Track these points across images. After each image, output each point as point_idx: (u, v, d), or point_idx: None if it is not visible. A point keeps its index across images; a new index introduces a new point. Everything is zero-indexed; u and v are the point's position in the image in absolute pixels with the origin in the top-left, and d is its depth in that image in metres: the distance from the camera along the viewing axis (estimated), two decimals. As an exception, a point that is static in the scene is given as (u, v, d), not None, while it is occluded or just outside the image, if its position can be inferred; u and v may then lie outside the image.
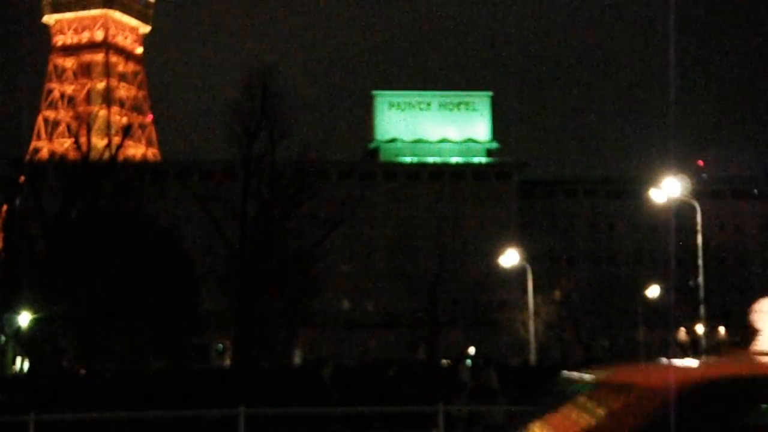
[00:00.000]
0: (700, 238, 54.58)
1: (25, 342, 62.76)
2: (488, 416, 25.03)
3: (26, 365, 66.54)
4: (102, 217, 60.98)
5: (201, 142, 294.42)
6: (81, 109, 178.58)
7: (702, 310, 57.08)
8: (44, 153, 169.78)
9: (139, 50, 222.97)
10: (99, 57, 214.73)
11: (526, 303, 78.80)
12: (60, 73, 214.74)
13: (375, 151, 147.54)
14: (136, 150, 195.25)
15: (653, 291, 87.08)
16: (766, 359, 7.27)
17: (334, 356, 66.63)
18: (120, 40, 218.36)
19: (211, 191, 69.42)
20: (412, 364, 61.66)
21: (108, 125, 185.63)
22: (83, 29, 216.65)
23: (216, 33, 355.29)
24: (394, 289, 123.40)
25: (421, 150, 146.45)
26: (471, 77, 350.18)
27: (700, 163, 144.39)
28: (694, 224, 55.17)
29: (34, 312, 59.16)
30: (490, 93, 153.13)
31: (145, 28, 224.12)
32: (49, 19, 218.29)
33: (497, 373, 27.51)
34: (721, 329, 74.59)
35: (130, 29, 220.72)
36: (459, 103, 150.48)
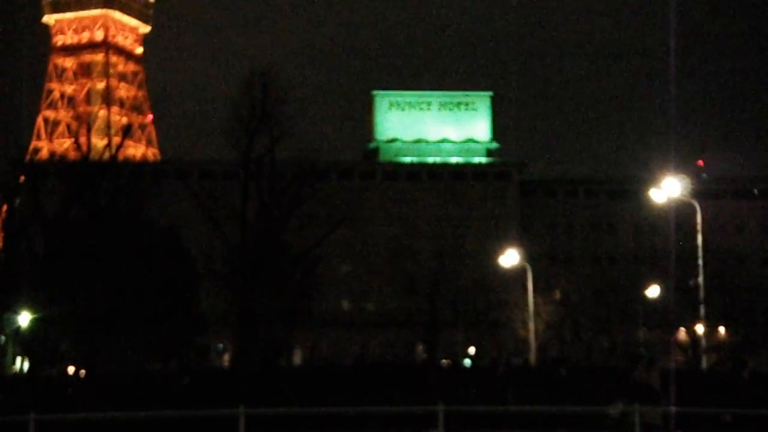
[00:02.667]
0: (700, 238, 54.55)
1: (25, 342, 62.74)
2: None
3: (26, 365, 66.52)
4: (102, 217, 60.96)
5: (201, 142, 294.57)
6: (81, 109, 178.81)
7: (702, 310, 57.04)
8: (44, 153, 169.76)
9: (139, 50, 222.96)
10: (99, 57, 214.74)
11: (526, 303, 78.77)
12: (60, 73, 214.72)
13: (375, 151, 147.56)
14: (136, 150, 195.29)
15: (653, 291, 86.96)
16: None
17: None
18: (120, 40, 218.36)
19: (211, 191, 69.32)
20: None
21: (108, 125, 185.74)
22: (83, 29, 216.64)
23: (216, 33, 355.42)
24: (394, 289, 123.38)
25: (421, 150, 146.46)
26: (471, 77, 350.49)
27: (700, 163, 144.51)
28: (694, 224, 55.15)
29: (34, 312, 59.12)
30: (490, 93, 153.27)
31: (145, 28, 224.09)
32: (49, 19, 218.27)
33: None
34: (721, 329, 74.51)
35: (130, 29, 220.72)
36: (459, 103, 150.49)
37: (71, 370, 63.25)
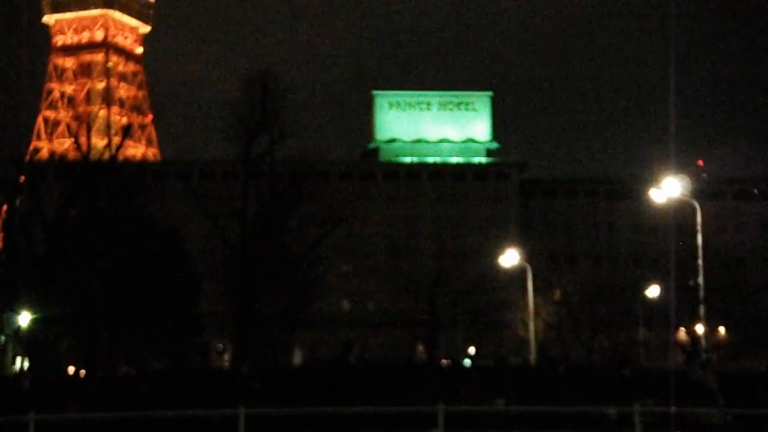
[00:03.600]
0: (700, 238, 54.53)
1: (25, 342, 62.72)
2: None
3: (26, 365, 66.48)
4: (102, 217, 60.91)
5: (201, 142, 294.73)
6: (81, 109, 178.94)
7: (702, 310, 57.01)
8: (44, 153, 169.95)
9: (139, 50, 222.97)
10: (99, 57, 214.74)
11: (526, 303, 78.76)
12: (60, 73, 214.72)
13: (375, 151, 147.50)
14: (136, 150, 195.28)
15: (653, 291, 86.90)
16: None
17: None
18: (120, 40, 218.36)
19: (211, 191, 69.36)
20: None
21: (108, 125, 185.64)
22: (83, 29, 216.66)
23: (216, 33, 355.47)
24: (394, 289, 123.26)
25: (421, 150, 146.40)
26: (471, 77, 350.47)
27: (700, 163, 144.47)
28: (694, 224, 55.14)
29: (34, 312, 59.11)
30: (490, 93, 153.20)
31: (145, 28, 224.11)
32: (49, 19, 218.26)
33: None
34: (721, 329, 74.57)
35: (130, 29, 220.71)
36: (459, 103, 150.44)
37: (71, 370, 63.28)
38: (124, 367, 38.26)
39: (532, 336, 77.46)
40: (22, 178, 69.74)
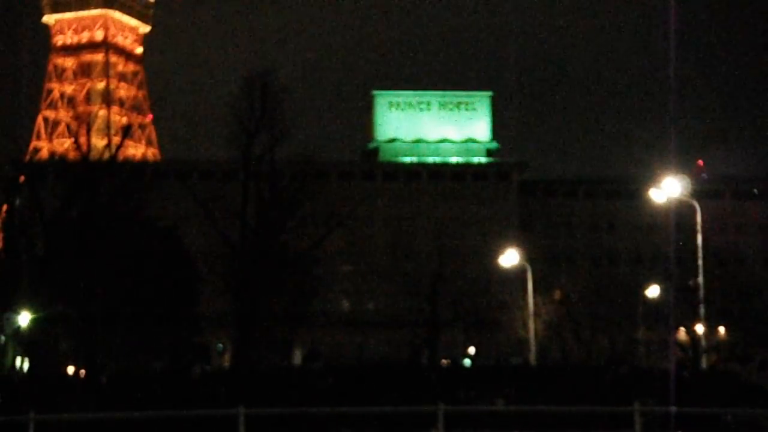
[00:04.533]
0: (700, 238, 54.57)
1: (25, 342, 62.70)
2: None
3: (26, 365, 66.47)
4: (102, 217, 60.87)
5: (201, 142, 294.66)
6: (81, 109, 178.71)
7: (702, 310, 57.00)
8: (44, 153, 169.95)
9: (139, 50, 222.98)
10: (99, 57, 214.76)
11: (526, 303, 78.78)
12: (60, 73, 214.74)
13: (375, 151, 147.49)
14: (136, 150, 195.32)
15: (653, 291, 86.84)
16: None
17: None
18: (120, 40, 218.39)
19: (211, 191, 69.26)
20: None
21: (108, 125, 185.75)
22: (83, 29, 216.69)
23: (216, 33, 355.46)
24: (394, 289, 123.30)
25: (421, 150, 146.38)
26: (471, 77, 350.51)
27: (700, 163, 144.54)
28: (694, 224, 55.18)
29: (34, 312, 59.08)
30: (490, 93, 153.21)
31: (145, 28, 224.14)
32: (49, 19, 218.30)
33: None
34: (721, 329, 74.47)
35: (130, 29, 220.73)
36: (459, 103, 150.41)
37: (71, 370, 63.29)
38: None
39: (532, 336, 77.45)
40: (22, 178, 69.67)
